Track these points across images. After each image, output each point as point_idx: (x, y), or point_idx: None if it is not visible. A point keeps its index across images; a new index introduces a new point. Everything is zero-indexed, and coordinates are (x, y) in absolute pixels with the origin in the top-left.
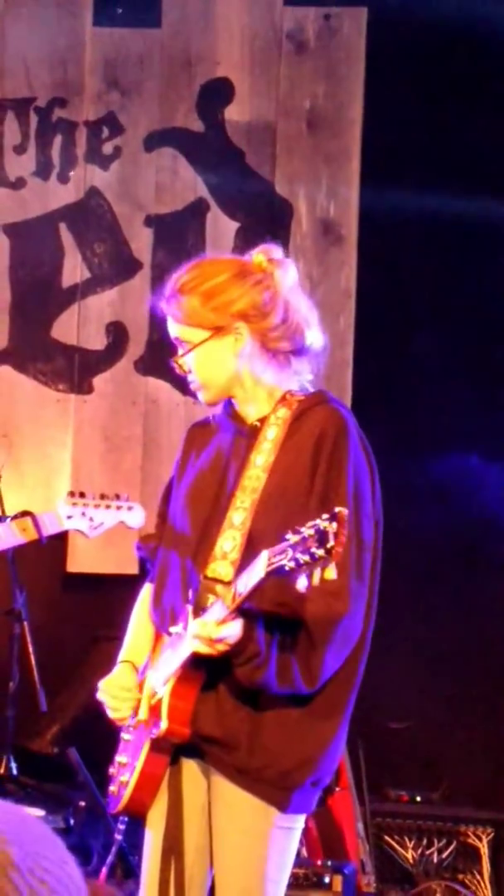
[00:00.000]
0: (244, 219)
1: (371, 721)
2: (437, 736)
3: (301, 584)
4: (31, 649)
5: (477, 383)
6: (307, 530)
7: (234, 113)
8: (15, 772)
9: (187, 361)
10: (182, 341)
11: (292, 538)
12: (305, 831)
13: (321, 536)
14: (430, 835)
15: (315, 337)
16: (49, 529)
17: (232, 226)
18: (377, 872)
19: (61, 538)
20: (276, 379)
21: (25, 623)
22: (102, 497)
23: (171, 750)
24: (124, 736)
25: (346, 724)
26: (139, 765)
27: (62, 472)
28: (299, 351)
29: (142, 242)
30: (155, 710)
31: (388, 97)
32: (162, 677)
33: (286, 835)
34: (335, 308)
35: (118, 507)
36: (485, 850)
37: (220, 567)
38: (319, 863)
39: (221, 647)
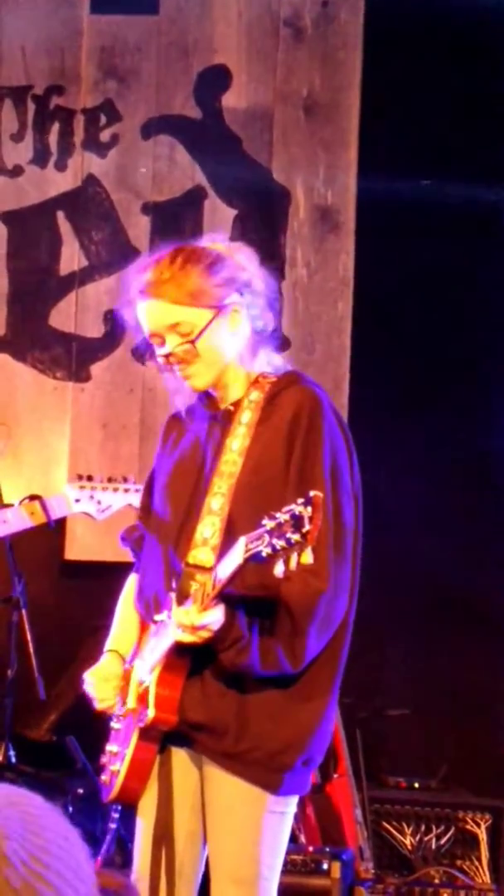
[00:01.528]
0: (242, 206)
1: (369, 707)
2: (435, 722)
3: (278, 569)
4: (29, 637)
5: (476, 370)
6: (283, 515)
7: (231, 100)
8: (13, 760)
9: (200, 347)
10: (181, 326)
11: (268, 524)
12: (304, 818)
13: (297, 521)
14: (429, 821)
15: (272, 318)
16: (57, 513)
17: (230, 213)
18: (375, 859)
19: (59, 525)
20: (251, 361)
21: (24, 611)
22: (110, 480)
23: (160, 738)
24: (114, 725)
25: (335, 704)
26: (129, 753)
27: (60, 460)
28: (272, 332)
29: (139, 230)
30: (142, 699)
31: (385, 84)
32: (147, 666)
33: (279, 819)
34: (333, 295)
35: (126, 490)
36: (483, 837)
37: (201, 553)
38: (318, 849)
39: (205, 634)
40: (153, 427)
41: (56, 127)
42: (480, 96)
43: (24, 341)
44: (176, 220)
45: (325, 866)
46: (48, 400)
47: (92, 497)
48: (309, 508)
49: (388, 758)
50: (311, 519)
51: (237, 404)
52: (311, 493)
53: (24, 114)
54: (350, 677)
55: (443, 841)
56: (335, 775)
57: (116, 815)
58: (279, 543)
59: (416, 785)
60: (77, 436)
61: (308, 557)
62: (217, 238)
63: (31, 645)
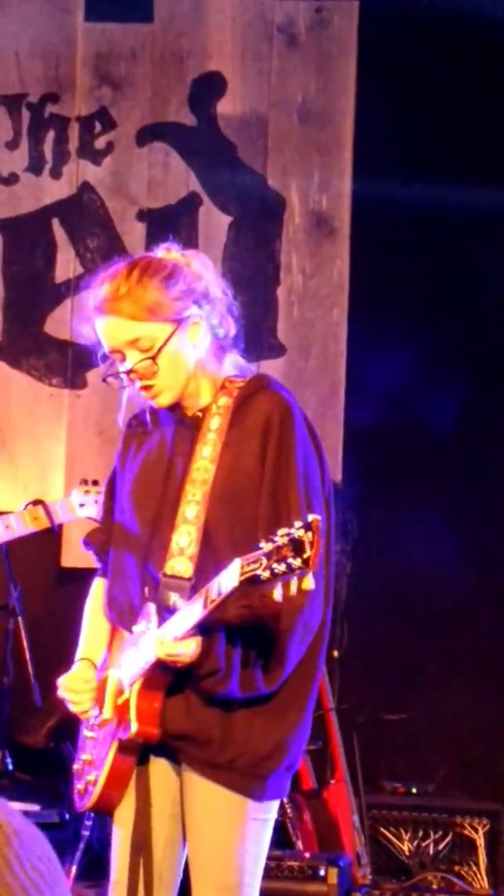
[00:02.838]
0: (237, 213)
1: (366, 713)
2: (432, 728)
3: (276, 594)
4: (25, 644)
5: (472, 375)
6: (281, 539)
7: (226, 107)
8: (10, 766)
9: (160, 363)
10: (140, 341)
11: (266, 546)
12: (301, 823)
13: (296, 546)
14: (426, 826)
15: (233, 324)
16: (61, 518)
17: (225, 220)
18: (373, 864)
19: (56, 533)
20: (216, 367)
21: (20, 618)
22: None
23: (139, 748)
24: (86, 733)
25: (312, 706)
26: (107, 764)
27: (56, 467)
28: (227, 336)
29: (135, 237)
30: (122, 711)
31: (379, 90)
32: (127, 677)
33: (261, 826)
34: (328, 301)
35: (106, 484)
36: (481, 842)
37: (178, 564)
38: (314, 855)
39: (179, 664)
40: None
41: (51, 134)
42: (474, 101)
43: (20, 348)
44: (171, 227)
45: (322, 872)
46: (44, 407)
47: (97, 502)
48: (309, 534)
49: (385, 763)
50: (311, 544)
51: (206, 410)
52: (310, 518)
53: (18, 121)
54: (347, 683)
55: (440, 846)
56: (332, 781)
57: (89, 823)
58: (279, 568)
59: (414, 790)
60: (73, 442)
61: (310, 583)
62: (172, 247)
63: (27, 652)
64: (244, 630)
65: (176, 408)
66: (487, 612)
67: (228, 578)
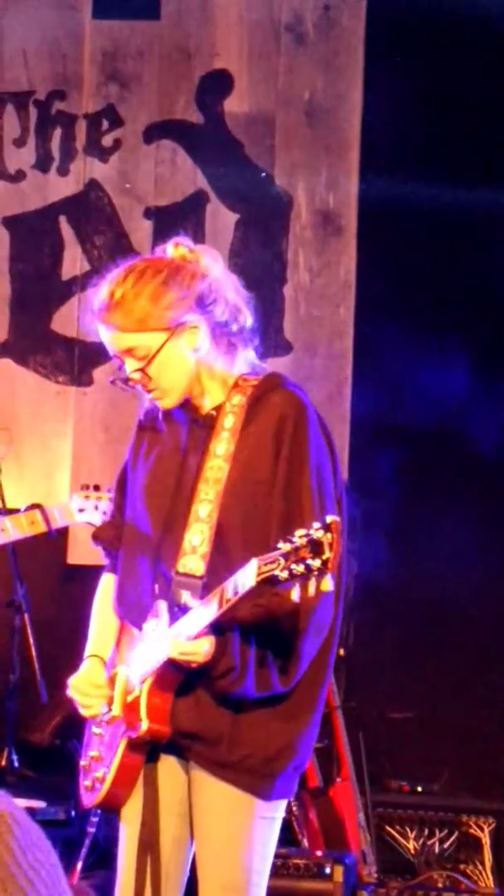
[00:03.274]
0: (244, 210)
1: (372, 712)
2: (438, 726)
3: (294, 595)
4: (31, 641)
5: (477, 373)
6: (299, 540)
7: (233, 104)
8: (16, 763)
9: (150, 371)
10: (135, 350)
11: (284, 547)
12: (306, 822)
13: (315, 547)
14: (432, 825)
15: (248, 318)
16: (58, 522)
17: (231, 217)
18: (378, 863)
19: (63, 530)
20: (227, 366)
21: (26, 615)
22: None
23: (148, 746)
24: (95, 730)
25: (322, 707)
26: (116, 761)
27: (63, 465)
28: (240, 333)
29: (141, 234)
30: (132, 709)
31: (387, 88)
32: (138, 675)
33: (268, 825)
34: (335, 299)
35: (116, 479)
36: (486, 841)
37: (190, 562)
38: (321, 853)
39: (192, 663)
40: None
41: (58, 132)
42: (482, 100)
43: (27, 346)
44: (178, 225)
45: (328, 870)
46: (50, 404)
47: (97, 508)
48: (329, 535)
49: (391, 762)
50: (331, 546)
51: (219, 409)
52: (329, 519)
53: (26, 119)
54: (353, 681)
55: (446, 845)
56: (338, 779)
57: (95, 820)
58: (297, 568)
59: (420, 789)
60: (79, 440)
61: (328, 584)
62: (181, 242)
63: (33, 649)
64: (258, 629)
65: (189, 406)
66: (495, 611)
67: (245, 578)
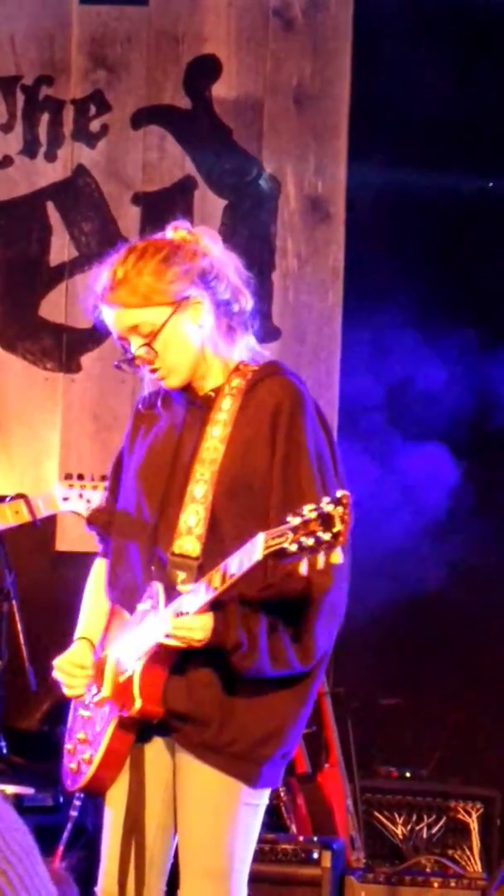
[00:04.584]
0: (232, 196)
1: (361, 697)
2: (426, 712)
3: (302, 568)
4: (20, 628)
5: (466, 361)
6: (310, 513)
7: (221, 90)
8: (4, 750)
9: (156, 347)
10: (141, 327)
11: (293, 520)
12: (294, 807)
13: (325, 520)
14: (420, 810)
15: (248, 300)
16: (43, 512)
17: (220, 203)
18: (367, 848)
19: (50, 517)
20: (228, 349)
21: (14, 602)
22: (103, 478)
23: (137, 727)
24: (82, 712)
25: (314, 695)
26: (105, 742)
27: (51, 452)
28: (240, 314)
29: (129, 221)
30: (124, 689)
31: (375, 74)
32: (131, 656)
33: (252, 811)
34: (323, 285)
35: (112, 463)
36: (474, 826)
37: (186, 543)
38: (309, 839)
39: (194, 642)
40: None
41: (45, 117)
42: (471, 86)
43: (15, 332)
44: (166, 211)
45: (316, 856)
46: (39, 391)
47: (81, 496)
48: (340, 508)
49: (379, 747)
50: (342, 519)
51: (218, 391)
52: (339, 493)
53: (13, 104)
54: (342, 667)
55: (434, 830)
56: (326, 765)
57: (78, 804)
58: (308, 542)
59: (408, 774)
60: (68, 427)
61: (339, 557)
62: (180, 225)
63: (21, 636)
64: (269, 607)
65: (188, 389)
66: (485, 596)
67: (252, 552)
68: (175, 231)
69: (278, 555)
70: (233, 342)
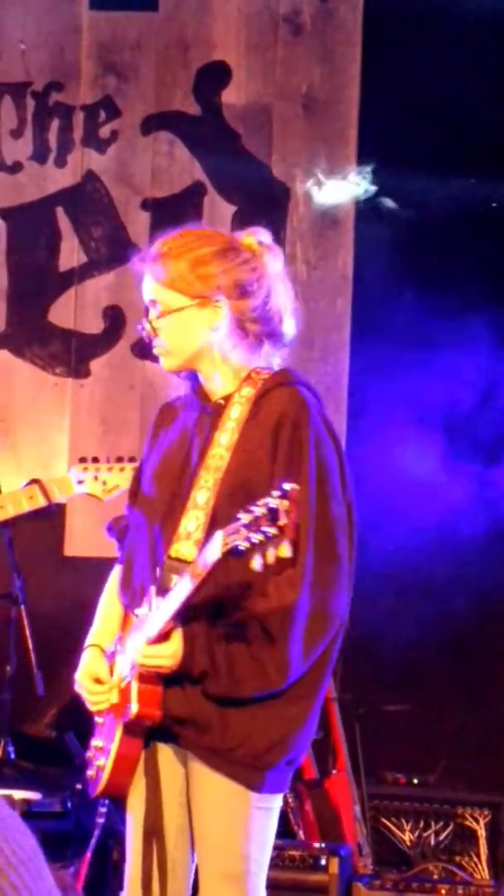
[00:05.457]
0: (241, 202)
1: (368, 703)
2: (434, 718)
3: (255, 564)
4: (28, 633)
5: (475, 367)
6: (259, 509)
7: (230, 96)
8: (12, 755)
9: (160, 325)
10: (158, 303)
11: (245, 517)
12: (302, 814)
13: (273, 514)
14: (427, 817)
15: (290, 326)
16: (57, 496)
17: (229, 209)
18: (374, 854)
19: (58, 522)
20: (245, 358)
21: (22, 607)
22: (119, 459)
23: (145, 732)
24: (97, 720)
25: (319, 703)
26: (114, 748)
27: (60, 457)
28: (273, 336)
29: (139, 226)
30: (125, 694)
31: (384, 79)
32: (129, 660)
33: (265, 815)
34: (332, 291)
35: (133, 469)
36: (482, 832)
37: (183, 547)
38: (316, 845)
39: (164, 667)
40: None
41: (55, 123)
42: (479, 93)
43: (24, 337)
44: (175, 216)
45: (324, 862)
46: (47, 396)
47: (96, 478)
48: (285, 501)
49: (386, 754)
50: (287, 512)
51: (228, 399)
52: (287, 487)
53: (23, 110)
54: (349, 673)
55: (441, 837)
56: (334, 771)
57: (104, 810)
58: (256, 537)
59: (415, 781)
60: (76, 432)
61: (286, 551)
62: (257, 233)
63: (29, 641)
64: (237, 627)
65: (201, 394)
66: (493, 603)
67: (212, 551)
68: (248, 236)
69: (233, 552)
70: (255, 353)
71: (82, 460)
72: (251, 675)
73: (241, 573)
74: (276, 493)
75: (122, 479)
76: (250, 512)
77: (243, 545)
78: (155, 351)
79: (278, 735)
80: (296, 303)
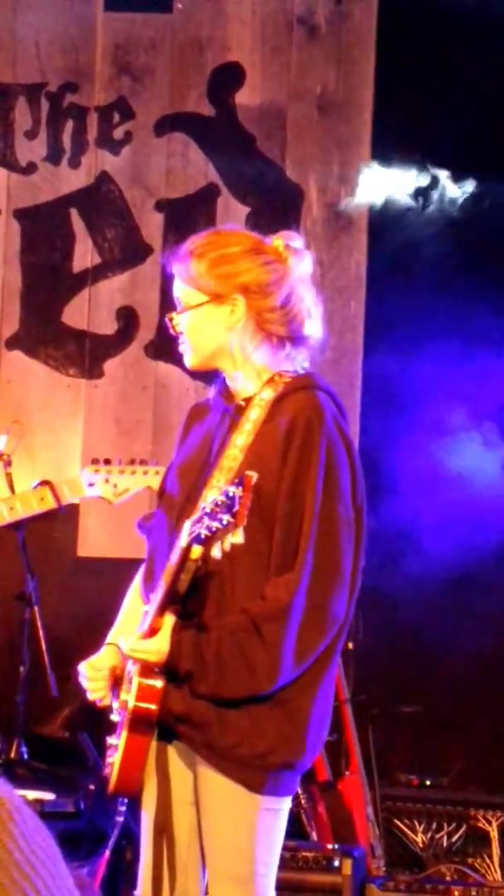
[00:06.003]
0: (255, 203)
1: (381, 705)
2: (447, 720)
3: (215, 551)
4: (41, 634)
5: (489, 368)
6: (219, 497)
7: (244, 98)
8: (26, 756)
9: (181, 321)
10: (181, 300)
11: (207, 506)
12: (315, 815)
13: (230, 502)
14: (440, 819)
15: (314, 329)
16: (68, 497)
17: (242, 210)
18: (387, 856)
19: (72, 522)
20: (268, 360)
21: (36, 608)
22: (131, 462)
23: (151, 729)
24: (113, 718)
25: (323, 705)
26: (121, 745)
27: (73, 458)
28: (296, 339)
29: (152, 227)
30: (129, 689)
31: (399, 81)
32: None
33: (273, 816)
34: (346, 293)
35: (145, 472)
36: (494, 835)
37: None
38: (329, 846)
39: (151, 665)
40: (166, 424)
41: (70, 124)
42: (495, 94)
43: (38, 338)
44: (189, 218)
45: (337, 863)
46: (61, 397)
47: (107, 480)
48: (240, 489)
49: (399, 755)
50: (240, 499)
51: (249, 400)
52: (245, 474)
53: (37, 111)
54: (362, 675)
55: (454, 839)
56: (347, 773)
57: (123, 809)
58: (213, 525)
59: (428, 783)
60: (90, 433)
61: (239, 537)
62: (288, 236)
63: (43, 642)
64: (228, 629)
65: (226, 395)
66: None
67: (181, 541)
68: (277, 238)
69: (196, 540)
70: (274, 355)
71: (94, 462)
72: (240, 677)
73: (244, 574)
74: (236, 480)
75: (133, 482)
76: (213, 501)
77: (204, 533)
78: (180, 348)
79: (279, 736)
80: (320, 306)
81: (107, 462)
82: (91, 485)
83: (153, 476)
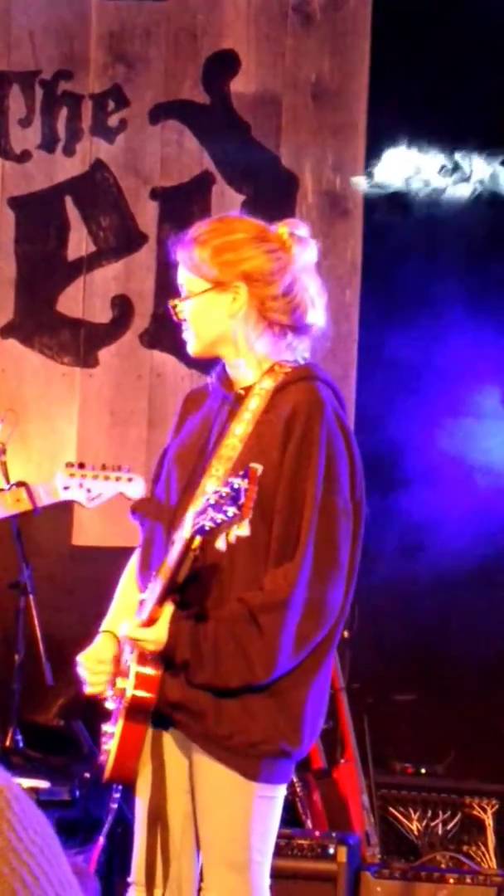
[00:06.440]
0: (250, 191)
1: (376, 693)
2: (442, 708)
3: (219, 543)
4: (36, 622)
5: (483, 355)
6: (223, 489)
7: (239, 85)
8: (21, 744)
9: (184, 308)
10: (184, 287)
11: (211, 498)
12: (310, 803)
13: (235, 494)
14: (435, 806)
15: (317, 318)
16: (44, 500)
17: (238, 198)
18: (382, 844)
19: (67, 511)
20: (269, 349)
21: (31, 596)
22: (104, 468)
23: (147, 717)
24: (108, 705)
25: (319, 694)
26: (117, 733)
27: (68, 446)
28: (298, 328)
29: (147, 215)
30: (126, 677)
31: (394, 70)
32: (130, 644)
33: (268, 804)
34: (341, 281)
35: (117, 479)
36: (489, 822)
37: (188, 533)
38: (324, 834)
39: (148, 653)
40: (161, 413)
41: (64, 112)
42: (490, 82)
43: (32, 326)
44: (184, 206)
45: (332, 851)
46: (56, 386)
47: (81, 485)
48: (245, 481)
49: (394, 743)
50: (246, 491)
51: (249, 389)
52: (250, 466)
53: (31, 99)
54: (357, 663)
55: (449, 826)
56: (342, 760)
57: (117, 796)
58: (218, 517)
59: (423, 770)
60: (85, 422)
61: (244, 529)
62: (292, 224)
63: (38, 630)
64: (225, 619)
65: (226, 383)
66: (500, 592)
67: (184, 531)
68: (282, 225)
69: (199, 532)
70: (276, 344)
71: (69, 465)
72: (237, 667)
73: (243, 565)
74: (241, 472)
75: (106, 487)
76: (217, 492)
77: (208, 525)
78: (183, 335)
79: (273, 725)
80: (324, 295)
81: (81, 466)
82: (66, 488)
83: (126, 483)
